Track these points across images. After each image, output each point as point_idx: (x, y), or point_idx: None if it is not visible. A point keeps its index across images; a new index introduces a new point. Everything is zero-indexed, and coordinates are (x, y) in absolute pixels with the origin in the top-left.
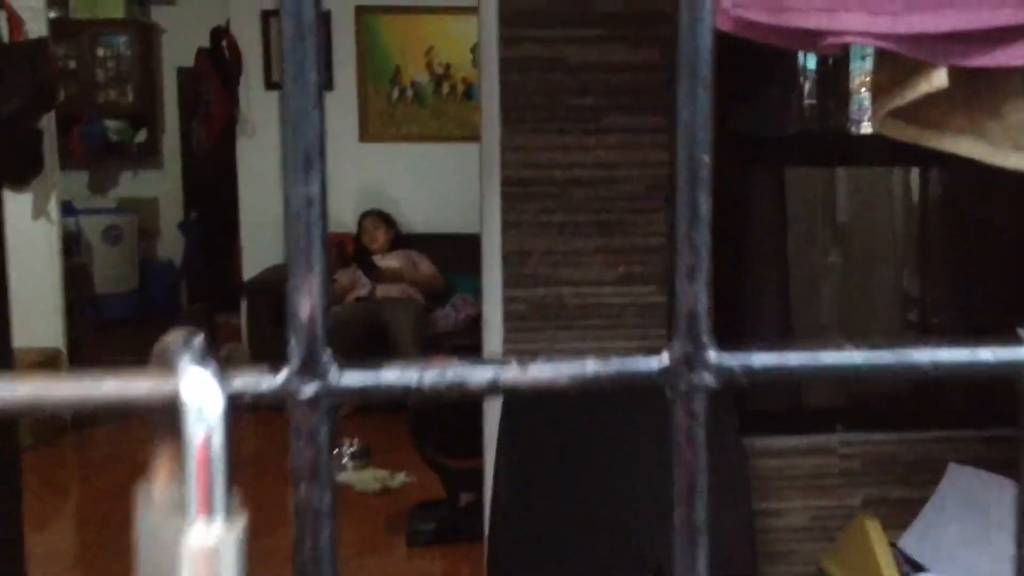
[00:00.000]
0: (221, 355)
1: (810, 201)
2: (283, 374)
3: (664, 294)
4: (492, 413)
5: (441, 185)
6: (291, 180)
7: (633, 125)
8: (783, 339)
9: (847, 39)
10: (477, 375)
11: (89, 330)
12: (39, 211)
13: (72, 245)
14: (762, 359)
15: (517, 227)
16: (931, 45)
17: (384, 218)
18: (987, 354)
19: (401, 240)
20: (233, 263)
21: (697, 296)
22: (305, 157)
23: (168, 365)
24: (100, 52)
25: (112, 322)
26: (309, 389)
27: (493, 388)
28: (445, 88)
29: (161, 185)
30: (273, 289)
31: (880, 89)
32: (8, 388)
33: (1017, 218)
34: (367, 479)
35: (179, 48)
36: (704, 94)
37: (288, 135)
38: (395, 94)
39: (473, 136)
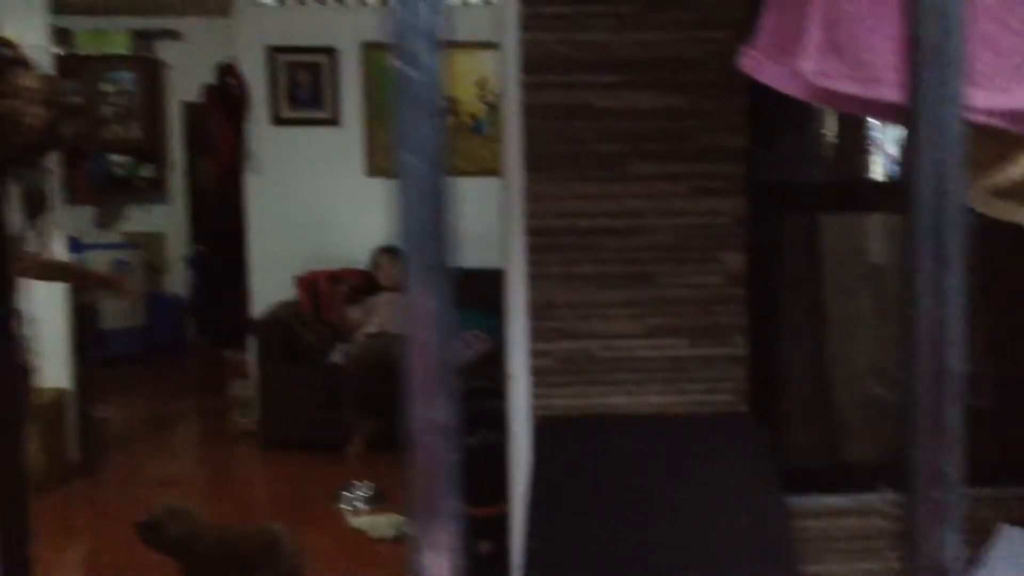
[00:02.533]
0: (229, 392)
1: (843, 245)
2: None
3: (696, 347)
4: (519, 460)
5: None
6: None
7: (660, 172)
8: (820, 384)
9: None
10: None
11: (97, 367)
12: (44, 250)
13: None
14: None
15: (544, 279)
16: None
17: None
18: None
19: None
20: (240, 299)
21: None
22: None
23: None
24: (106, 88)
25: (119, 358)
26: None
27: None
28: (452, 123)
29: (167, 220)
30: (282, 326)
31: (979, 167)
32: None
33: None
34: (381, 524)
35: (185, 83)
36: (956, 283)
37: None
38: None
39: (481, 171)
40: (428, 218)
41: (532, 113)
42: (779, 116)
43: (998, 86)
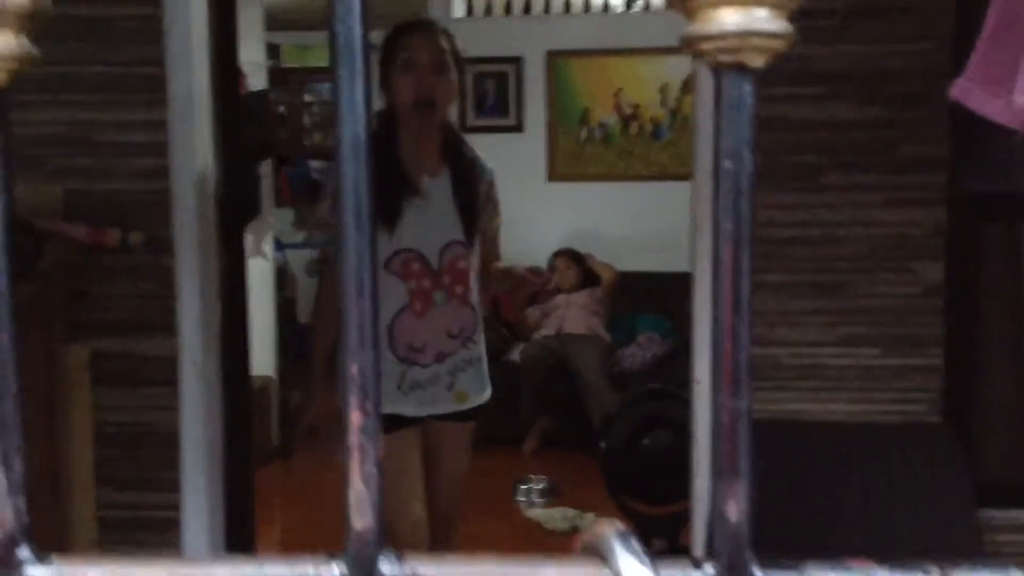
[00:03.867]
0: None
1: None
2: (710, 570)
3: (889, 357)
4: (702, 462)
5: (626, 224)
6: None
7: (855, 183)
8: (1019, 397)
9: None
10: None
11: (295, 358)
12: (256, 250)
13: (281, 279)
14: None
15: None
16: None
17: (576, 258)
18: None
19: (590, 279)
20: None
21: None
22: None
23: (599, 554)
24: (307, 98)
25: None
26: None
27: None
28: (633, 129)
29: None
30: None
31: None
32: (438, 565)
33: None
34: (556, 517)
35: (380, 92)
36: None
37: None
38: (583, 135)
39: (659, 176)
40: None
41: None
42: (983, 126)
43: None
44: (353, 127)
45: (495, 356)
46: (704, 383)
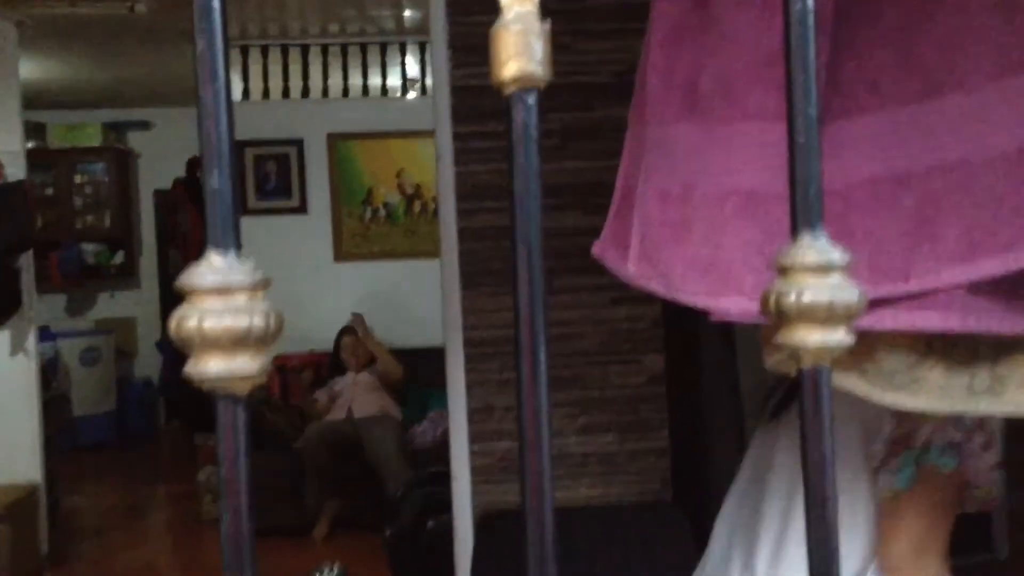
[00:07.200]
0: (199, 479)
1: (752, 339)
2: None
3: (624, 442)
4: (462, 553)
5: (415, 300)
6: None
7: (585, 285)
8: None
9: (730, 317)
10: None
11: (67, 457)
12: (16, 347)
13: (49, 371)
14: None
15: (481, 385)
16: None
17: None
18: None
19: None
20: None
21: None
22: None
23: None
24: (77, 179)
25: (90, 446)
26: None
27: None
28: (416, 207)
29: (138, 305)
30: (252, 411)
31: (765, 340)
32: None
33: None
34: None
35: (156, 171)
36: None
37: None
38: (368, 214)
39: None
40: None
41: (467, 236)
42: None
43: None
44: None
45: (287, 444)
46: (462, 479)
